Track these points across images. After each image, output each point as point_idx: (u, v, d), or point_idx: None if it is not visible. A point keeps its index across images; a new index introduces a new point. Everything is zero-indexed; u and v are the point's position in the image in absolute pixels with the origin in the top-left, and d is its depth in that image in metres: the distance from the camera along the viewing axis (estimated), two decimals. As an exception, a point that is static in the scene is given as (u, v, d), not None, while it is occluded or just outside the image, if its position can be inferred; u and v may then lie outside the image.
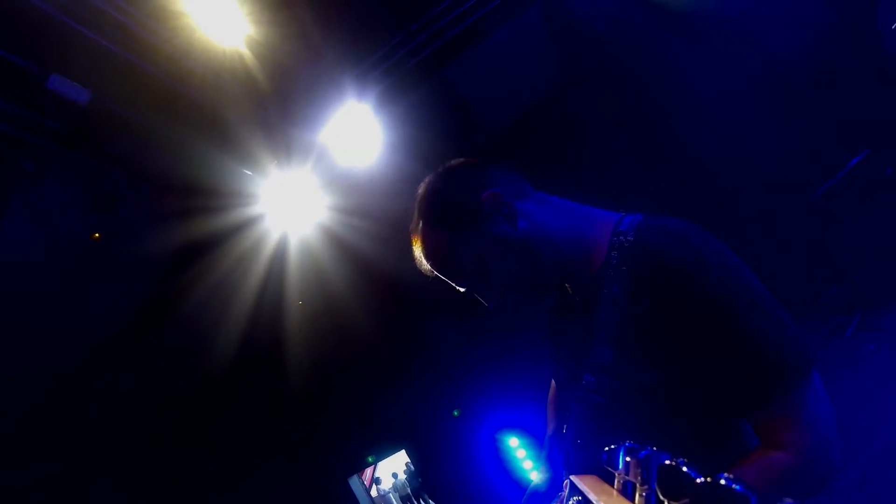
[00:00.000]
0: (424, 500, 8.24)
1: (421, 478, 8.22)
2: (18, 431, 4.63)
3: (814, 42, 4.24)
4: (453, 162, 1.15)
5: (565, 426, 1.08)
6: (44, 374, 4.66)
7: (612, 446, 0.60)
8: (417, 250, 1.12)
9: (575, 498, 0.74)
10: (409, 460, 8.55)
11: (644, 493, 0.55)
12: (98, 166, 3.63)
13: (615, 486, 0.62)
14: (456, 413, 6.63)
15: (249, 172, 4.02)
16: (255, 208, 4.29)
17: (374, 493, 9.37)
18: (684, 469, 0.48)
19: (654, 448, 0.54)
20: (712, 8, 4.24)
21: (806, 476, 0.85)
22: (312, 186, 4.37)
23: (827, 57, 4.30)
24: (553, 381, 1.36)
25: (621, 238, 0.99)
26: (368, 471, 9.52)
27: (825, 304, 4.61)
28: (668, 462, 0.50)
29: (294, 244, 4.80)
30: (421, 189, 1.13)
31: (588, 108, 4.85)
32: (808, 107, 4.43)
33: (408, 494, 8.99)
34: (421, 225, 1.10)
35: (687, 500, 0.47)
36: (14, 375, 4.38)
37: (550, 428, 1.31)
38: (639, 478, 0.55)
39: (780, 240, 4.71)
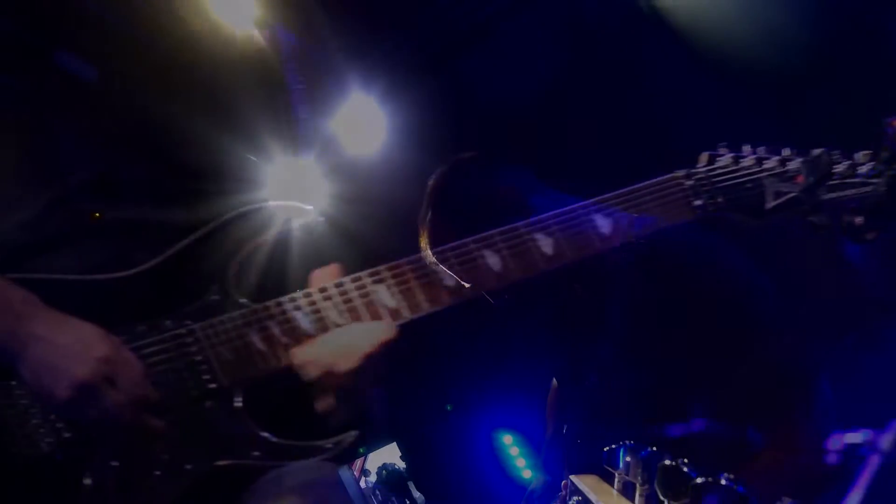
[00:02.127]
0: (411, 496, 8.28)
1: (408, 472, 8.24)
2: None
3: (816, 45, 4.24)
4: (466, 155, 1.18)
5: (566, 426, 1.08)
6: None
7: (613, 446, 0.60)
8: (424, 242, 1.15)
9: (575, 498, 0.74)
10: (397, 454, 8.60)
11: (644, 493, 0.55)
12: (101, 146, 3.63)
13: (615, 486, 0.61)
14: (449, 407, 6.64)
15: (254, 158, 4.02)
16: (259, 194, 4.30)
17: (362, 484, 9.39)
18: (684, 469, 0.48)
19: (655, 448, 0.54)
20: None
21: (808, 480, 0.85)
22: (317, 174, 4.38)
23: (828, 60, 4.30)
24: (554, 381, 1.36)
25: (632, 238, 0.99)
26: (358, 462, 9.53)
27: (825, 318, 4.62)
28: (668, 462, 0.50)
29: (296, 232, 4.82)
30: (431, 181, 1.17)
31: (604, 106, 4.84)
32: (809, 113, 4.45)
33: (394, 487, 9.03)
34: (430, 216, 1.13)
35: (687, 500, 0.47)
36: None
37: (550, 428, 1.31)
38: (639, 478, 0.55)
39: (781, 253, 4.70)
